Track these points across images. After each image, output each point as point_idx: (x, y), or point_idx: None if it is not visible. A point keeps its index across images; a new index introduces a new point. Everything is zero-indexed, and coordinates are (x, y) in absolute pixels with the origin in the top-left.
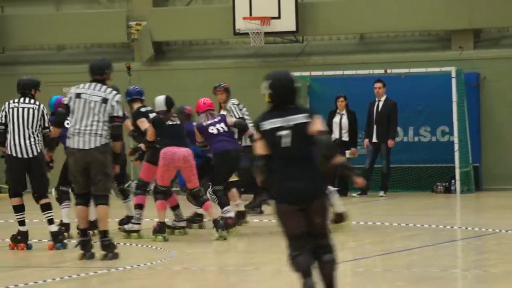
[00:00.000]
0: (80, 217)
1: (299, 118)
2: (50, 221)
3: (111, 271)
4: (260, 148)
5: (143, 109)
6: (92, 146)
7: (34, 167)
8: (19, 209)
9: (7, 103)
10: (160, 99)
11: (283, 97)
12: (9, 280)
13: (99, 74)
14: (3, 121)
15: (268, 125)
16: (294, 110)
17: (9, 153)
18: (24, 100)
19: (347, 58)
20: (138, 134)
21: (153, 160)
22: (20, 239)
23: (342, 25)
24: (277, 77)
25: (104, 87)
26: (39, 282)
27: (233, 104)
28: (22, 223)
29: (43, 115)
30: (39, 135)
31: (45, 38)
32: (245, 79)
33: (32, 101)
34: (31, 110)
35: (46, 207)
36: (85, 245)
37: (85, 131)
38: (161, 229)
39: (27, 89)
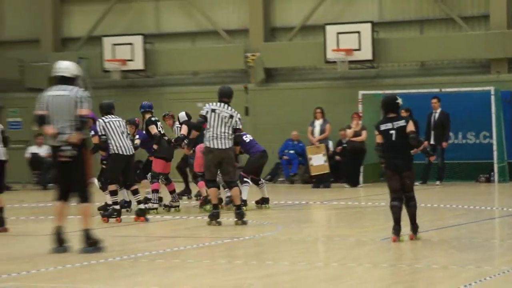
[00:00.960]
0: (213, 195)
1: (400, 123)
2: (139, 202)
3: (233, 240)
4: (379, 139)
5: (153, 118)
6: (226, 146)
7: (131, 162)
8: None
9: None
10: (183, 114)
11: (390, 109)
12: (161, 247)
13: (227, 98)
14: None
15: (383, 127)
16: (397, 118)
17: (117, 152)
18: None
19: (411, 80)
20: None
21: (161, 155)
22: (140, 214)
23: (407, 55)
24: (387, 97)
25: (230, 107)
26: (181, 248)
27: (177, 126)
28: (135, 203)
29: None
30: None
31: (184, 66)
32: (334, 97)
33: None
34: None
35: (135, 192)
36: (215, 216)
37: (221, 136)
38: (205, 201)
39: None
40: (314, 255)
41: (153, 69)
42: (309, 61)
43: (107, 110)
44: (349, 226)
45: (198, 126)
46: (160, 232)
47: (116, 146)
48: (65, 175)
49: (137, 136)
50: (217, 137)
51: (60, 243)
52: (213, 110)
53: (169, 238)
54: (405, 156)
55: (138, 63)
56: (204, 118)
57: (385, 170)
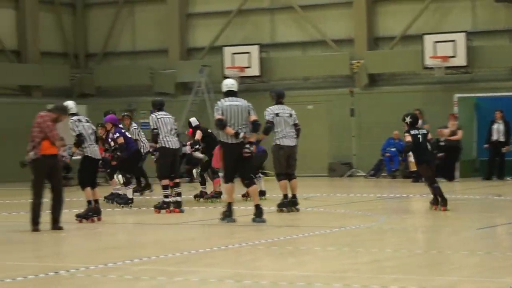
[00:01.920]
0: (284, 187)
1: (423, 130)
2: (178, 194)
3: (341, 229)
4: (410, 140)
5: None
6: (295, 144)
7: (177, 156)
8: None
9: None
10: (194, 119)
11: (415, 122)
12: (248, 238)
13: (283, 98)
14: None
15: (413, 132)
16: (421, 128)
17: (164, 145)
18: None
19: (502, 84)
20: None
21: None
22: (176, 206)
23: (498, 61)
24: (411, 113)
25: (287, 106)
26: (293, 236)
27: (135, 128)
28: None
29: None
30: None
31: (295, 72)
32: (431, 99)
33: None
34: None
35: (177, 185)
36: (285, 205)
37: (290, 135)
38: (215, 195)
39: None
40: (415, 243)
41: (268, 75)
42: (408, 67)
43: (158, 106)
44: (446, 217)
45: (269, 130)
46: (274, 222)
47: (164, 140)
48: (237, 165)
49: (116, 135)
50: (286, 136)
51: (231, 215)
52: (276, 114)
53: (282, 227)
54: (428, 153)
55: (254, 70)
56: (271, 123)
57: (417, 164)
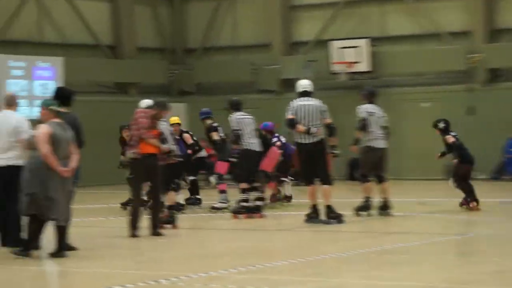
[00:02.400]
0: (385, 189)
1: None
2: (259, 199)
3: (450, 238)
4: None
5: (214, 124)
6: (386, 146)
7: (258, 159)
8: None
9: None
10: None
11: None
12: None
13: (375, 97)
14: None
15: (453, 134)
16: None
17: (248, 147)
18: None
19: None
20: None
21: (226, 158)
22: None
23: None
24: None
25: (376, 105)
26: (407, 244)
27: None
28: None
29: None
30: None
31: (408, 67)
32: None
33: None
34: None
35: (256, 188)
36: (366, 208)
37: (382, 136)
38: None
39: None
40: None
41: (378, 70)
42: None
43: (237, 106)
44: None
45: (364, 128)
46: (382, 228)
47: (248, 142)
48: (314, 165)
49: None
50: (378, 138)
51: (317, 215)
52: (370, 114)
53: (392, 234)
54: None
55: (364, 65)
56: (366, 120)
57: (463, 163)
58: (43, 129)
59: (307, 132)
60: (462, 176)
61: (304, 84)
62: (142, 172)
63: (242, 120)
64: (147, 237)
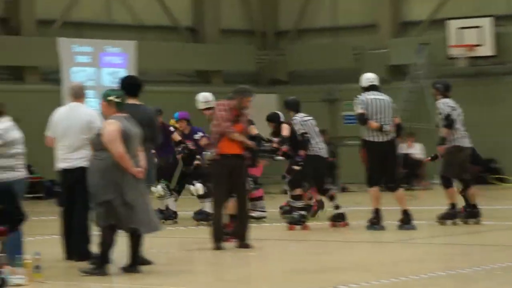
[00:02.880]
0: (473, 194)
1: None
2: (336, 207)
3: None
4: None
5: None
6: (471, 145)
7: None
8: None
9: None
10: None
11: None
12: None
13: (450, 91)
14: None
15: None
16: None
17: (318, 154)
18: None
19: None
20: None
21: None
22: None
23: None
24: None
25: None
26: None
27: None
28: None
29: None
30: None
31: None
32: None
33: None
34: None
35: (333, 197)
36: (452, 215)
37: (466, 134)
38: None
39: None
40: None
41: (504, 55)
42: None
43: (296, 107)
44: None
45: (451, 125)
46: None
47: (317, 147)
48: (383, 166)
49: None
50: (464, 135)
51: (379, 222)
52: (453, 109)
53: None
54: None
55: (487, 49)
56: (451, 116)
57: None
58: (113, 125)
59: (380, 129)
60: None
61: (370, 77)
62: (222, 175)
63: (306, 122)
64: (234, 250)
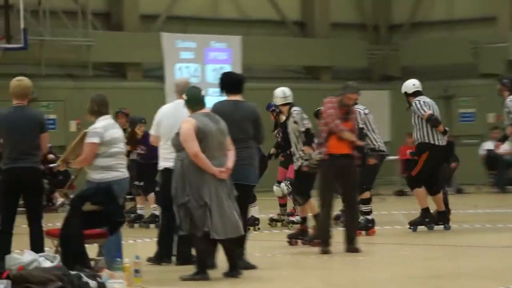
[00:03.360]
0: None
1: None
2: (366, 213)
3: None
4: None
5: None
6: None
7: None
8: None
9: None
10: None
11: None
12: None
13: None
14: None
15: None
16: None
17: (380, 148)
18: None
19: None
20: None
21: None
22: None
23: None
24: None
25: None
26: None
27: None
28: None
29: None
30: None
31: None
32: None
33: None
34: None
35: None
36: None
37: None
38: None
39: None
40: None
41: None
42: None
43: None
44: None
45: None
46: None
47: (378, 142)
48: (437, 171)
49: None
50: None
51: (433, 218)
52: None
53: None
54: None
55: None
56: None
57: None
58: (187, 124)
59: (445, 133)
60: None
61: (416, 83)
62: (330, 176)
63: (367, 115)
64: (341, 254)
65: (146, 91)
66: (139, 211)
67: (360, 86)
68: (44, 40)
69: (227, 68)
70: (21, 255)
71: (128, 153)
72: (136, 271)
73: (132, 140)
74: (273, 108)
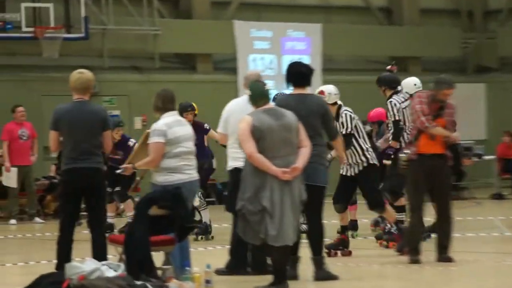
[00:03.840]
0: None
1: None
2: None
3: None
4: None
5: None
6: None
7: None
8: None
9: None
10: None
11: None
12: None
13: None
14: None
15: None
16: None
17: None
18: None
19: None
20: None
21: None
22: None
23: None
24: None
25: None
26: None
27: None
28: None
29: None
30: None
31: None
32: None
33: None
34: None
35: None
36: None
37: None
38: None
39: None
40: None
41: None
42: None
43: (396, 85)
44: None
45: None
46: None
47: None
48: None
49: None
50: None
51: None
52: None
53: None
54: None
55: None
56: None
57: None
58: (242, 123)
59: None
60: None
61: (417, 82)
62: (419, 177)
63: (400, 106)
64: (432, 264)
65: (217, 85)
66: (109, 220)
67: (453, 78)
68: (107, 29)
69: (306, 60)
70: (82, 263)
71: (105, 161)
72: (207, 281)
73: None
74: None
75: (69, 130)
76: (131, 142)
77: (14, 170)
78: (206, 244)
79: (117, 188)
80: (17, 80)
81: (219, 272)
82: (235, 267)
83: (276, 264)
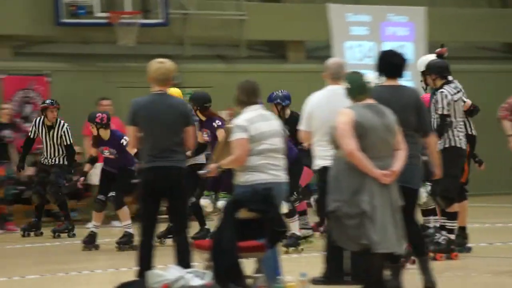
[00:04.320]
0: None
1: None
2: (450, 231)
3: None
4: None
5: None
6: None
7: None
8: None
9: None
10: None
11: None
12: None
13: None
14: None
15: None
16: None
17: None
18: None
19: None
20: None
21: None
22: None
23: None
24: None
25: None
26: None
27: None
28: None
29: None
30: None
31: None
32: None
33: None
34: None
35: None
36: None
37: None
38: None
39: None
40: None
41: None
42: None
43: (447, 73)
44: None
45: None
46: None
47: (458, 137)
48: None
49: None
50: None
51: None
52: None
53: None
54: None
55: None
56: None
57: None
58: (343, 116)
59: None
60: None
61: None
62: None
63: (452, 99)
64: None
65: (309, 75)
66: (93, 229)
67: None
68: (188, 14)
69: (409, 47)
70: (165, 271)
71: (92, 161)
72: None
73: (96, 142)
74: (278, 101)
75: (147, 126)
76: (124, 140)
77: (98, 166)
78: (297, 250)
79: (112, 194)
80: (93, 71)
81: (316, 281)
82: (331, 275)
83: (375, 272)
